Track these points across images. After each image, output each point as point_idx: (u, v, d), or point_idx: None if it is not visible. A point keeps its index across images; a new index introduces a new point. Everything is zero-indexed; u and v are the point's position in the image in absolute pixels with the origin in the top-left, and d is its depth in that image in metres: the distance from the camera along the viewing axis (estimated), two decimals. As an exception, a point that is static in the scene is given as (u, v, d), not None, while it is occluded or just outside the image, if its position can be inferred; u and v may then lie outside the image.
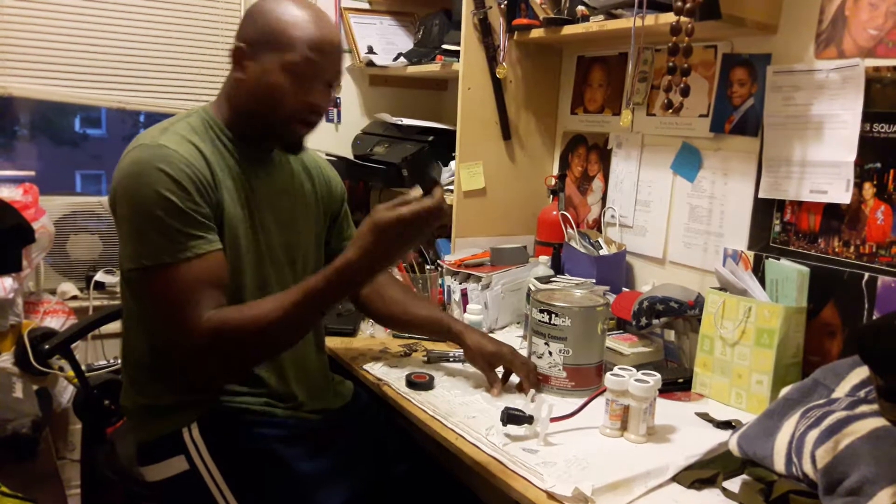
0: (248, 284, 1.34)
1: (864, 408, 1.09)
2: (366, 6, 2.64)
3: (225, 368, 1.28)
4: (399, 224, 1.13)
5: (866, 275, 1.44)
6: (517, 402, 1.34)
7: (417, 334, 1.81)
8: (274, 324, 1.20)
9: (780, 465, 1.12)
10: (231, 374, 1.32)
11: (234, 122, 1.35)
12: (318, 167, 1.58)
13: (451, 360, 1.69)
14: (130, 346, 1.38)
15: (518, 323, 1.99)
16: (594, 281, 1.86)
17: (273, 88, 1.28)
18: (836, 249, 1.51)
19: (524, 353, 1.61)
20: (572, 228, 2.03)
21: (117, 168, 1.25)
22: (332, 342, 1.78)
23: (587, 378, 1.51)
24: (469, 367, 1.65)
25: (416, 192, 1.18)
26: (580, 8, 1.82)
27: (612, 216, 2.07)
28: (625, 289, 1.92)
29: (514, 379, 1.54)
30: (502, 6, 2.00)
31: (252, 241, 1.35)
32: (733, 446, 1.22)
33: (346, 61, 2.61)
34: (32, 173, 2.37)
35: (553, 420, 1.29)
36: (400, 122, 2.36)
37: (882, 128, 1.42)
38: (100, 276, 2.34)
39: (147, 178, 1.20)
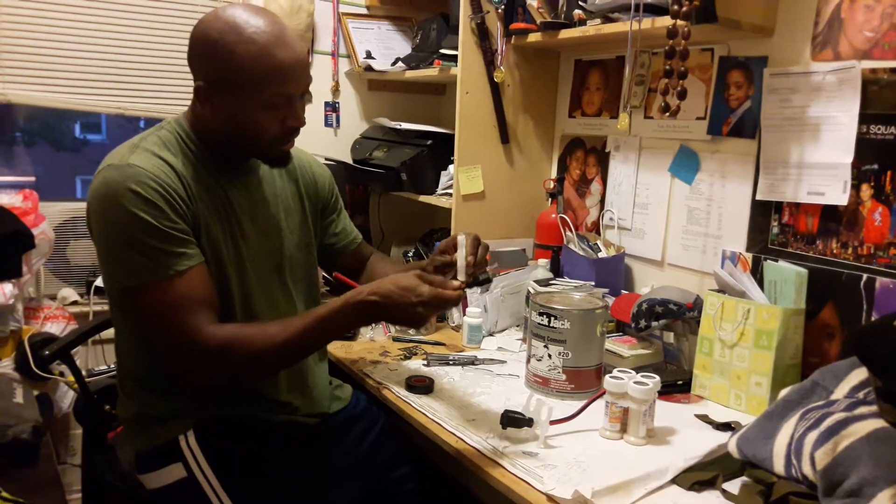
0: (235, 294, 1.33)
1: (862, 409, 1.09)
2: (364, 11, 2.64)
3: (225, 382, 1.31)
4: (417, 298, 1.19)
5: (864, 276, 1.45)
6: (517, 405, 1.35)
7: None
8: (279, 347, 1.23)
9: (779, 466, 1.12)
10: (231, 382, 1.33)
11: (207, 139, 1.32)
12: (302, 165, 1.55)
13: (451, 362, 1.70)
14: (122, 357, 1.39)
15: (517, 326, 1.99)
16: (593, 283, 1.86)
17: (251, 124, 1.26)
18: (835, 251, 1.52)
19: (523, 355, 1.61)
20: (571, 231, 2.04)
21: (90, 189, 1.24)
22: (331, 346, 1.78)
23: (587, 380, 1.51)
24: (469, 371, 1.66)
25: (461, 259, 1.25)
26: (577, 12, 1.83)
27: (611, 219, 2.07)
28: (624, 291, 1.92)
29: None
30: (499, 10, 2.01)
31: (234, 252, 1.34)
32: (732, 448, 1.22)
33: (344, 65, 2.62)
34: (32, 179, 2.38)
35: (553, 423, 1.30)
36: (399, 127, 2.37)
37: (879, 129, 1.43)
38: (100, 282, 2.34)
39: (119, 199, 1.18)
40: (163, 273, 1.19)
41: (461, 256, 1.27)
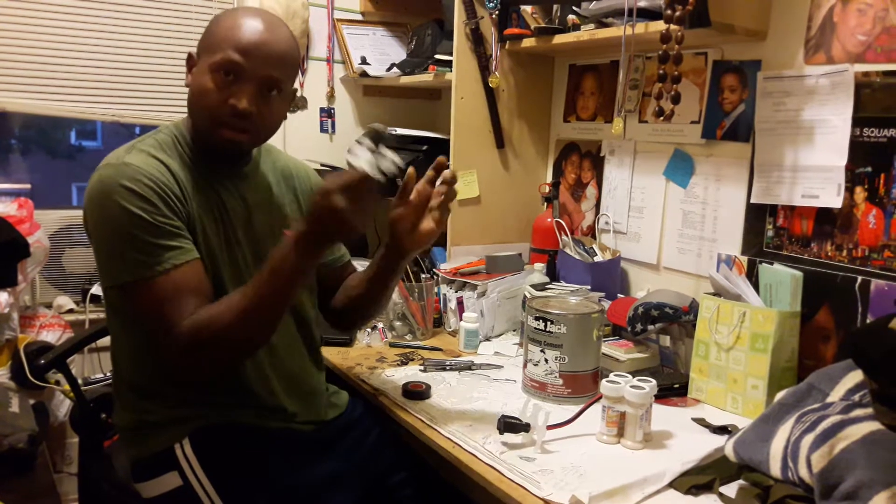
0: None
1: (858, 412, 1.09)
2: (359, 17, 2.65)
3: (211, 365, 1.25)
4: (321, 193, 1.14)
5: (859, 278, 1.45)
6: (514, 409, 1.35)
7: (377, 294, 1.51)
8: (246, 312, 1.19)
9: (775, 470, 1.12)
10: (218, 369, 1.29)
11: (195, 135, 1.33)
12: (300, 176, 1.54)
13: (448, 368, 1.70)
14: (118, 364, 1.38)
15: (514, 331, 1.99)
16: (589, 287, 1.86)
17: (201, 90, 1.26)
18: (829, 253, 1.52)
19: (520, 360, 1.61)
20: (567, 235, 2.04)
21: (86, 189, 1.24)
22: (327, 352, 1.78)
23: (583, 385, 1.51)
24: (465, 376, 1.66)
25: (360, 164, 1.21)
26: (571, 17, 1.83)
27: (606, 223, 2.07)
28: (620, 295, 1.92)
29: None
30: (494, 16, 2.01)
31: (228, 256, 1.33)
32: (729, 452, 1.22)
33: (339, 71, 2.62)
34: (28, 187, 2.37)
35: (549, 427, 1.30)
36: (394, 132, 2.37)
37: (872, 132, 1.43)
38: (96, 290, 2.34)
39: (114, 196, 1.19)
40: (157, 268, 1.19)
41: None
